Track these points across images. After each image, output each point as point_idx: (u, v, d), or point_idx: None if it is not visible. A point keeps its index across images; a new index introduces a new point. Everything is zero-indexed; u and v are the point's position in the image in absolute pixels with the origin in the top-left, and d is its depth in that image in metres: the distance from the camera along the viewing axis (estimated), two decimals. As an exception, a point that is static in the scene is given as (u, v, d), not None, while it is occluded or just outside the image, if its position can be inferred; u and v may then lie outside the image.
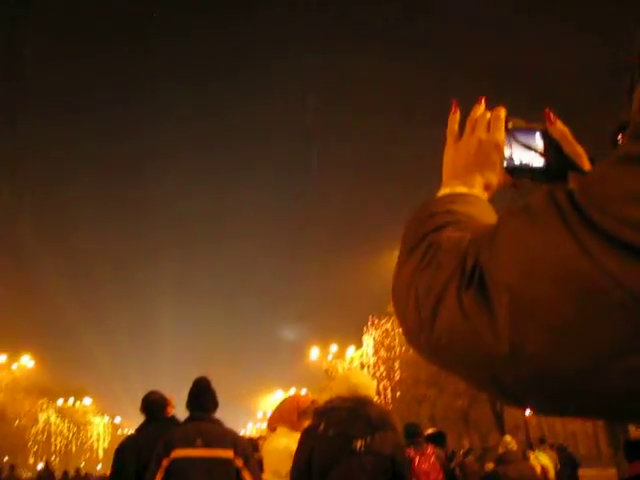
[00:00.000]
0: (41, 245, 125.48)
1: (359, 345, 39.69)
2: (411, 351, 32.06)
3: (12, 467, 25.76)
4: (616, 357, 0.57)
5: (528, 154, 1.06)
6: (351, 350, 39.54)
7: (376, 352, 36.57)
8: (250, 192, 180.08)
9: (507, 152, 1.06)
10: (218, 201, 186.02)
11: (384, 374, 35.39)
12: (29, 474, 33.54)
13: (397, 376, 34.82)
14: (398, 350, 35.44)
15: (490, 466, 9.48)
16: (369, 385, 4.04)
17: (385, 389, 34.95)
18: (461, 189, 1.01)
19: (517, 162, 1.06)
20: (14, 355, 43.99)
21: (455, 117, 1.11)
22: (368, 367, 36.99)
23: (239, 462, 4.83)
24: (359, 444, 3.67)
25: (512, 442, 8.43)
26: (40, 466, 34.37)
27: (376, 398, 4.26)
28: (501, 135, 1.05)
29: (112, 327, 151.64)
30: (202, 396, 5.20)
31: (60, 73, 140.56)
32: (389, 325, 35.95)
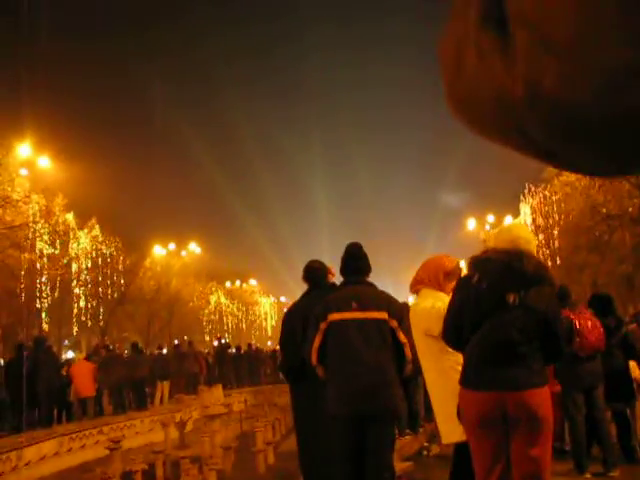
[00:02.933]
0: (201, 136, 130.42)
1: (516, 214, 38.77)
2: (571, 217, 31.19)
3: (190, 343, 27.93)
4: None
5: None
6: (508, 219, 38.70)
7: (534, 220, 35.61)
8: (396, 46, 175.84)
9: None
10: (363, 70, 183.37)
11: (543, 242, 34.51)
12: (206, 349, 36.22)
13: (556, 244, 33.95)
14: (557, 217, 34.41)
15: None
16: (530, 239, 3.90)
17: (545, 257, 34.11)
18: None
19: None
20: (182, 242, 46.89)
21: None
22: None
23: (393, 323, 4.88)
24: (512, 298, 3.57)
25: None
26: (215, 343, 36.94)
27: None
28: None
29: (269, 208, 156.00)
30: (355, 260, 5.24)
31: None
32: (546, 192, 34.75)
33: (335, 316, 4.93)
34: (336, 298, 5.11)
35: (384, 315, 4.90)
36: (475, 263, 3.78)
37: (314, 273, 6.00)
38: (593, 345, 6.86)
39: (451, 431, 4.20)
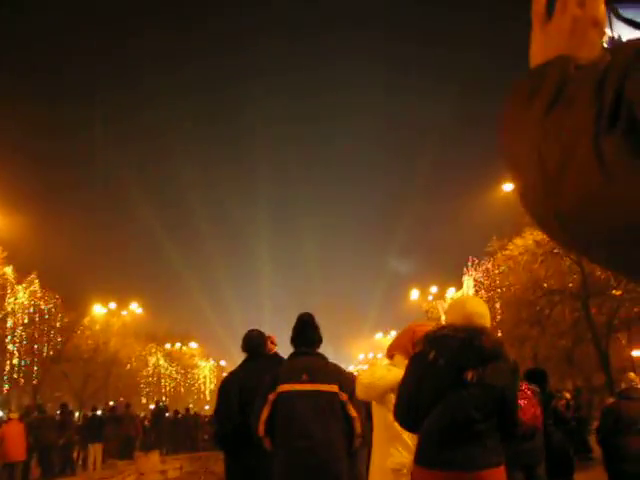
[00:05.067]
0: (148, 197, 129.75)
1: (459, 286, 39.34)
2: (513, 290, 31.75)
3: (127, 405, 27.21)
4: None
5: (635, 31, 0.82)
6: (451, 291, 39.25)
7: (476, 293, 36.10)
8: (352, 120, 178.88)
9: (608, 30, 0.83)
10: (316, 130, 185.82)
11: (485, 315, 34.82)
12: (142, 413, 35.22)
13: (498, 316, 34.36)
14: (499, 291, 34.96)
15: (610, 401, 9.14)
16: (484, 314, 3.84)
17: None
18: None
19: (620, 41, 0.82)
20: (124, 302, 45.98)
21: None
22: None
23: (344, 396, 4.85)
24: (470, 375, 3.53)
25: (636, 379, 7.96)
26: (152, 406, 36.06)
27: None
28: (600, 8, 0.82)
29: (213, 271, 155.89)
30: (306, 331, 5.21)
31: None
32: (489, 265, 35.40)
33: (285, 387, 4.86)
34: (286, 369, 5.05)
35: (335, 388, 4.86)
36: (430, 340, 3.74)
37: (252, 343, 5.98)
38: (525, 424, 6.83)
39: None
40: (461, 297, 6.75)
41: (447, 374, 3.56)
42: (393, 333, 58.65)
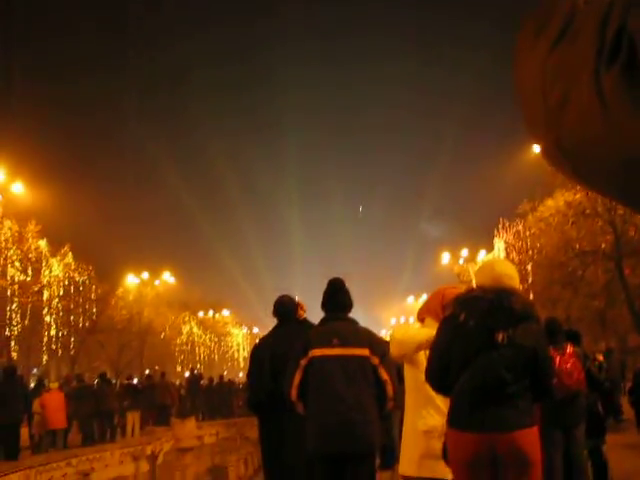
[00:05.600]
0: (179, 168, 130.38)
1: (490, 249, 39.08)
2: (544, 252, 31.51)
3: (163, 374, 27.59)
4: None
5: None
6: (482, 254, 39.00)
7: (508, 255, 35.84)
8: (380, 87, 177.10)
9: None
10: (346, 96, 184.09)
11: (517, 277, 34.69)
12: (177, 381, 35.81)
13: (530, 278, 34.17)
14: (530, 252, 34.72)
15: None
16: (513, 275, 3.85)
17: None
18: None
19: None
20: (156, 272, 46.50)
21: None
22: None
23: (375, 360, 4.87)
24: (500, 336, 3.53)
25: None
26: (187, 374, 36.54)
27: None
28: None
29: (244, 239, 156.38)
30: (337, 296, 5.23)
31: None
32: (520, 227, 35.12)
33: (316, 352, 4.89)
34: (317, 334, 5.08)
35: (366, 352, 4.88)
36: (460, 302, 3.75)
37: (283, 309, 6.02)
38: (569, 387, 6.80)
39: (407, 464, 4.34)
40: (490, 260, 6.71)
41: (477, 335, 3.56)
42: (425, 297, 58.50)
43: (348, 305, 5.26)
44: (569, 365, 6.82)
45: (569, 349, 6.96)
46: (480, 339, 3.55)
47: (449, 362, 3.64)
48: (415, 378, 4.30)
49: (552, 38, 0.59)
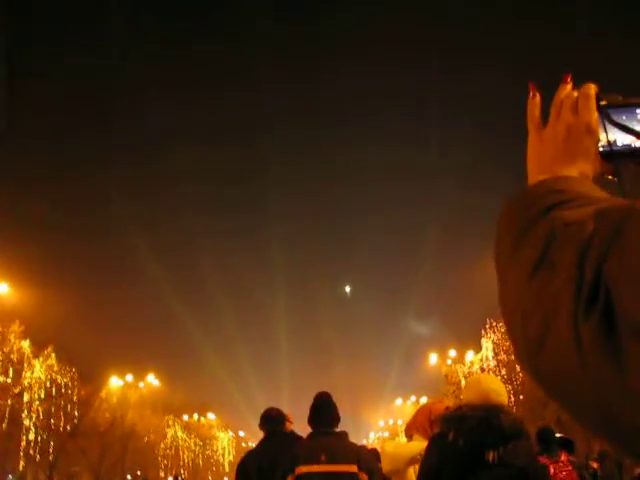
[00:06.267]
0: (162, 264, 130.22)
1: (478, 349, 38.96)
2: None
3: (144, 480, 26.76)
4: None
5: (628, 135, 0.87)
6: (470, 354, 38.86)
7: (496, 355, 35.72)
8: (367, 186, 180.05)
9: (602, 135, 0.88)
10: (330, 197, 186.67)
11: (505, 377, 34.50)
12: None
13: (519, 379, 33.93)
14: (519, 353, 34.63)
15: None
16: (501, 391, 3.81)
17: (508, 393, 34.04)
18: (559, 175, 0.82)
19: (615, 145, 0.87)
20: (140, 373, 45.78)
21: (535, 102, 0.93)
22: (489, 371, 36.32)
23: (363, 476, 4.80)
24: (491, 456, 3.43)
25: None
26: (170, 479, 35.50)
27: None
28: (592, 115, 0.86)
29: (231, 345, 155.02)
30: (324, 411, 5.23)
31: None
32: (508, 327, 35.17)
33: (303, 469, 4.83)
34: (305, 450, 5.03)
35: (353, 468, 4.83)
36: (448, 420, 3.69)
37: (271, 421, 5.96)
38: None
39: None
40: (476, 375, 6.73)
41: (467, 455, 3.49)
42: (413, 399, 57.98)
43: (335, 419, 5.25)
44: (564, 474, 6.71)
45: (563, 457, 6.87)
46: (470, 458, 3.48)
47: None
48: None
49: (532, 260, 0.61)
